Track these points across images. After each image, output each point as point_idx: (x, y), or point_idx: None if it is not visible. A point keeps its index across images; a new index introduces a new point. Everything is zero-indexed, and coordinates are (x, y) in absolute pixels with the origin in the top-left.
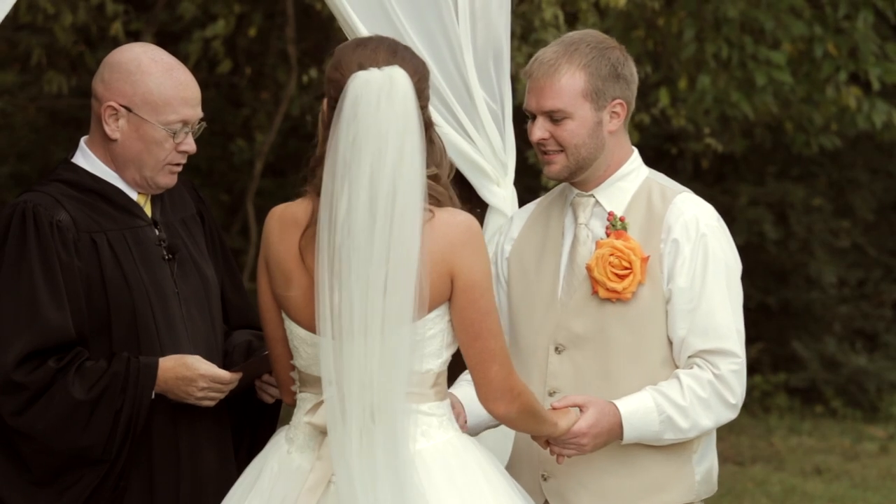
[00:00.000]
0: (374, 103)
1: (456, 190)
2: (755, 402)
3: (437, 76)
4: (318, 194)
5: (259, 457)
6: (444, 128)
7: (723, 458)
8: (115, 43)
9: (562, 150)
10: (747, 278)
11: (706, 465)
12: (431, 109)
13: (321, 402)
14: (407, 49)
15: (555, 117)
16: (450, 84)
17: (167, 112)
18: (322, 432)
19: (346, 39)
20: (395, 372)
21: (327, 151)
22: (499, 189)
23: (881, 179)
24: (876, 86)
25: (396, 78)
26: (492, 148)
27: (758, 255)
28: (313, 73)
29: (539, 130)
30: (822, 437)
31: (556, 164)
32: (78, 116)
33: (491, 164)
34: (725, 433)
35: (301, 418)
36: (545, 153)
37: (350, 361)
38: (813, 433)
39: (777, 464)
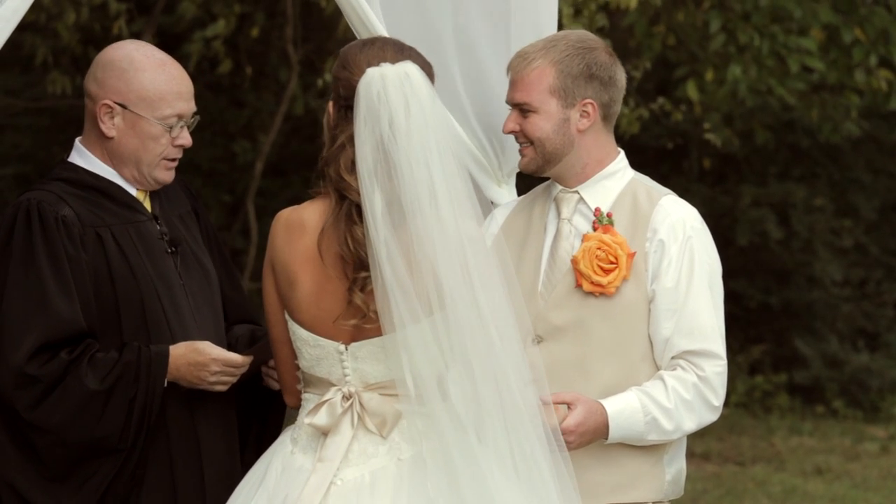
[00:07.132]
0: (402, 99)
1: None
2: (756, 402)
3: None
4: (338, 192)
5: (265, 455)
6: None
7: (723, 458)
8: None
9: (531, 143)
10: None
11: (676, 466)
12: None
13: (322, 403)
14: (412, 48)
15: (523, 109)
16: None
17: (162, 107)
18: (323, 433)
19: (350, 39)
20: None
21: (357, 150)
22: (500, 188)
23: (883, 179)
24: None
25: (411, 71)
26: (495, 146)
27: (760, 255)
28: (328, 76)
29: (510, 123)
30: (822, 438)
31: (526, 157)
32: (80, 117)
33: (492, 163)
34: (726, 433)
35: (303, 419)
36: (519, 145)
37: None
38: (814, 433)
39: (778, 464)
